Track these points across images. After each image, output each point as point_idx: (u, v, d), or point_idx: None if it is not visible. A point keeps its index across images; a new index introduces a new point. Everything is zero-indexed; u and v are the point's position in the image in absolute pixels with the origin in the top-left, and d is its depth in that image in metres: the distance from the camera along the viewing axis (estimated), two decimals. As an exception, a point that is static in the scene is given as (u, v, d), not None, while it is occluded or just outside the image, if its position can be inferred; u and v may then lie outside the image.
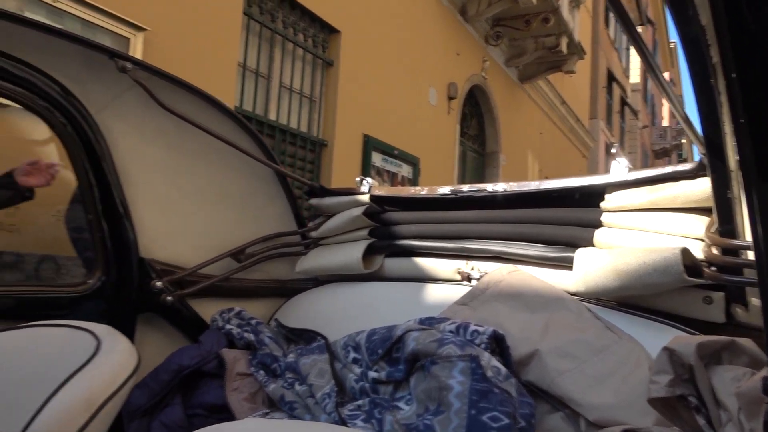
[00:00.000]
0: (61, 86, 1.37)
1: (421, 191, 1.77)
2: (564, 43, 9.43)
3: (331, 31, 5.65)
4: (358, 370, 1.31)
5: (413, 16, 6.95)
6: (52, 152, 2.74)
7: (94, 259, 1.47)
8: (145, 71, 1.40)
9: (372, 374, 1.27)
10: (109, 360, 0.95)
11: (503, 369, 1.17)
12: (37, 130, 2.73)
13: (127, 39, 3.58)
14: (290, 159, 5.20)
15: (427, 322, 1.36)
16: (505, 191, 1.62)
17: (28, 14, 3.04)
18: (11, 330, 1.18)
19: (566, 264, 1.47)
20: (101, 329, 1.08)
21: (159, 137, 1.54)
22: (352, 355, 1.37)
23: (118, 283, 1.48)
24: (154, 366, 1.42)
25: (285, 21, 5.14)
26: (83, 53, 1.36)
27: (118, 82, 1.41)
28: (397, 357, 1.27)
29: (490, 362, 1.16)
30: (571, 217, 1.52)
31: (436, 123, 7.59)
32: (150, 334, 1.56)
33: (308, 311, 1.78)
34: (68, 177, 2.62)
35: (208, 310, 1.67)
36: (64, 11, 3.23)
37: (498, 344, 1.27)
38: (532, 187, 1.58)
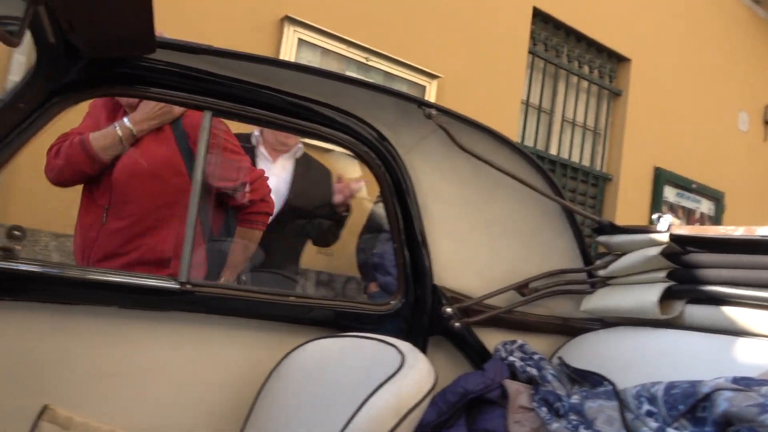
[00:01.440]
0: (377, 132, 1.61)
1: (735, 231, 1.55)
2: None
3: (620, 60, 5.37)
4: (654, 424, 1.20)
5: (718, 34, 6.16)
6: (362, 189, 3.20)
7: (397, 283, 1.66)
8: (447, 116, 1.55)
9: (671, 432, 1.15)
10: (412, 374, 1.07)
11: None
12: (351, 169, 3.22)
13: (423, 86, 4.00)
14: (571, 194, 5.05)
15: (743, 383, 1.17)
16: None
17: (348, 72, 3.64)
18: (334, 337, 1.42)
19: None
20: (404, 346, 1.21)
21: (454, 175, 1.68)
22: (646, 407, 1.26)
23: (414, 306, 1.64)
24: (441, 386, 1.53)
25: (570, 55, 5.08)
26: (396, 103, 1.58)
27: (423, 127, 1.59)
28: (703, 417, 1.12)
29: (835, 444, 0.94)
30: None
31: (748, 152, 6.51)
32: (438, 356, 1.68)
33: (593, 353, 1.69)
34: (364, 210, 3.02)
35: (490, 339, 1.73)
36: (371, 66, 3.78)
37: None
38: None
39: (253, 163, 2.35)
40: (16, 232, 1.32)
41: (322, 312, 1.58)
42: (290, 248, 2.50)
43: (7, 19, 0.89)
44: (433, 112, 1.52)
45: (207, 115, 1.45)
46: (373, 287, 2.79)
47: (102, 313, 1.36)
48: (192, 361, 1.45)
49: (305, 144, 2.63)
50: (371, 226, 2.82)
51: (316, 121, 1.56)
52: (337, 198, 2.46)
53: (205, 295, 1.44)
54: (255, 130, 2.46)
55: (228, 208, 2.02)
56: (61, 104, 1.28)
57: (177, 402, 1.43)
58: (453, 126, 1.57)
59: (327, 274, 3.56)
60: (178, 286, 1.39)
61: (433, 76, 3.99)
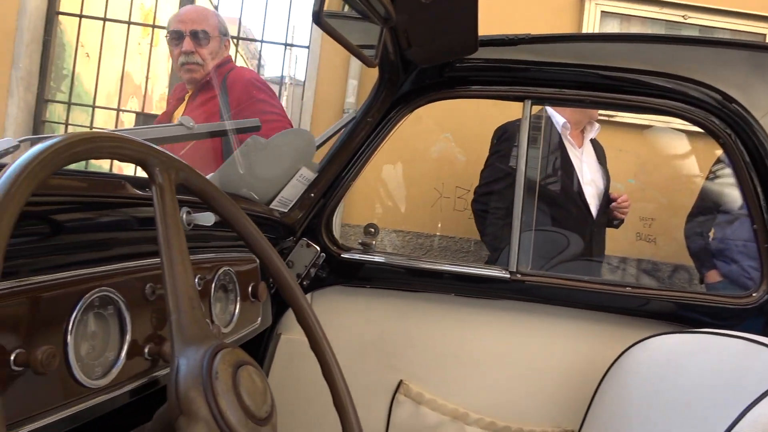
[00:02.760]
0: (723, 95, 1.37)
1: None
2: None
3: None
4: None
5: None
6: (692, 165, 2.83)
7: (760, 272, 1.40)
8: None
9: None
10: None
11: None
12: (677, 144, 2.86)
13: (762, 35, 3.31)
14: None
15: None
16: None
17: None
18: (684, 333, 1.26)
19: None
20: (785, 347, 1.00)
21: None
22: None
23: (785, 298, 1.36)
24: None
25: None
26: (747, 57, 1.33)
27: (787, 82, 1.31)
28: None
29: None
30: None
31: None
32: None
33: None
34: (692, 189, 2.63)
35: None
36: (685, 24, 3.28)
37: None
38: None
39: (564, 152, 2.27)
40: (371, 229, 1.53)
41: (661, 304, 1.43)
42: (602, 235, 2.36)
43: (366, 46, 1.04)
44: (805, 58, 1.23)
45: (527, 105, 1.44)
46: (713, 277, 2.44)
47: (442, 300, 1.48)
48: (524, 349, 1.47)
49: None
50: (705, 207, 2.47)
51: (644, 93, 1.42)
52: (616, 215, 2.27)
53: (535, 284, 1.44)
54: (559, 119, 2.35)
55: None
56: (399, 114, 1.44)
57: (513, 388, 1.47)
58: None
59: (650, 262, 3.25)
60: (508, 276, 1.43)
61: (774, 20, 3.27)
